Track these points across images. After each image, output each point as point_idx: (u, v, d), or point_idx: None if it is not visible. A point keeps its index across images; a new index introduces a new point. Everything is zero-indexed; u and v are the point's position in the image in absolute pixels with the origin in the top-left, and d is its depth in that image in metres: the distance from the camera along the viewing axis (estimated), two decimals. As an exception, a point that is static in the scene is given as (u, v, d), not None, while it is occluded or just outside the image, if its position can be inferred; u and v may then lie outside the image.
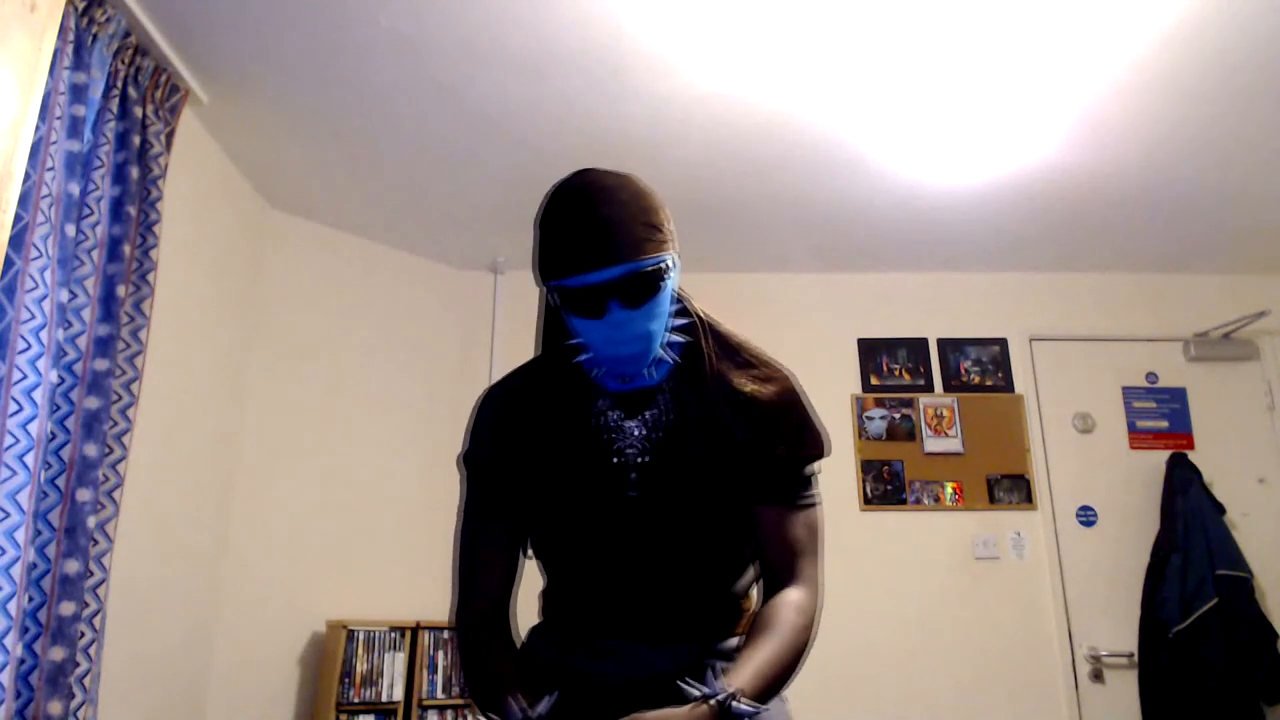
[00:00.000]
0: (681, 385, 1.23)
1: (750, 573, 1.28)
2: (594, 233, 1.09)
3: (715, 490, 1.19)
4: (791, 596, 1.17)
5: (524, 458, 1.23)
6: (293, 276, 3.44)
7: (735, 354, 1.26)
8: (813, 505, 1.24)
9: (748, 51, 2.47)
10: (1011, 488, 3.66)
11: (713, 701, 0.99)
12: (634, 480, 1.20)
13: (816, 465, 1.25)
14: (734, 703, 0.99)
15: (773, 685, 1.09)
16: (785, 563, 1.20)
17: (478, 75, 2.59)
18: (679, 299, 1.22)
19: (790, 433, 1.22)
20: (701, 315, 1.25)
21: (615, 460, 1.20)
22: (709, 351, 1.23)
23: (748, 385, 1.22)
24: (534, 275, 1.21)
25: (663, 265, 1.12)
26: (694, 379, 1.23)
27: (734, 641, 1.23)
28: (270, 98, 2.72)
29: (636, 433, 1.21)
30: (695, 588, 1.23)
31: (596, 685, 1.19)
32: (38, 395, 1.85)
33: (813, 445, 1.23)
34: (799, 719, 1.26)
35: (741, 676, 1.05)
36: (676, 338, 1.20)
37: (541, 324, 1.28)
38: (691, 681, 1.01)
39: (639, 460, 1.20)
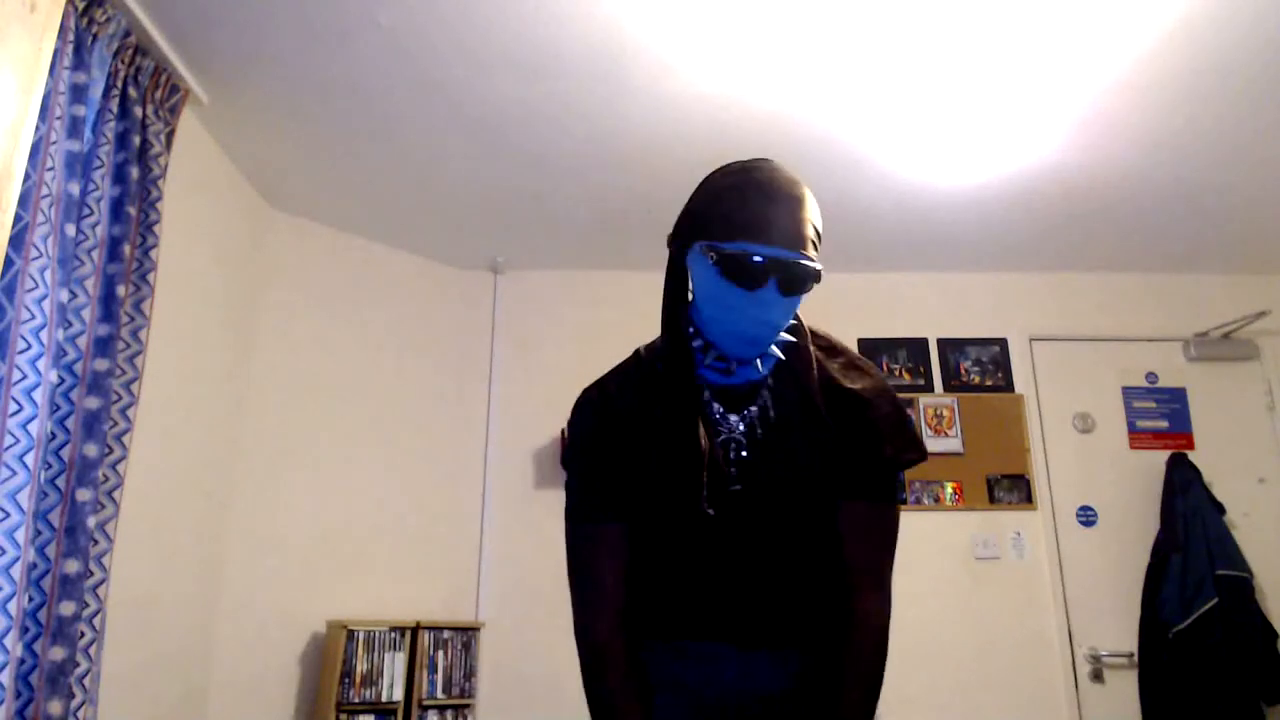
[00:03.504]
0: (782, 382, 1.24)
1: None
2: (782, 209, 1.13)
3: (816, 486, 1.19)
4: (876, 615, 1.18)
5: (625, 456, 1.22)
6: (293, 276, 3.45)
7: (837, 355, 1.28)
8: (899, 502, 1.25)
9: (748, 51, 2.47)
10: (1011, 488, 3.66)
11: None
12: (736, 474, 1.19)
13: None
14: None
15: None
16: (868, 562, 1.20)
17: (477, 75, 2.59)
18: None
19: (895, 435, 1.22)
20: (802, 320, 1.28)
21: (720, 454, 1.20)
22: (814, 352, 1.25)
23: (855, 383, 1.23)
24: (676, 236, 1.21)
25: (820, 272, 1.16)
26: (795, 377, 1.23)
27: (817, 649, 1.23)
28: (270, 98, 2.72)
29: (740, 427, 1.21)
30: (793, 587, 1.22)
31: (698, 693, 1.19)
32: (38, 395, 1.85)
33: (914, 448, 1.24)
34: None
35: None
36: (785, 336, 1.22)
37: (665, 303, 1.25)
38: None
39: (742, 455, 1.20)
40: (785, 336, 1.22)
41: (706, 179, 1.23)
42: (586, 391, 1.31)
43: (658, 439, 1.21)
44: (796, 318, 1.26)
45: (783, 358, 1.24)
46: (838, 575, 1.23)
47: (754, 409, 1.22)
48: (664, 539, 1.23)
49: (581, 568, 1.25)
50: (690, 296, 1.24)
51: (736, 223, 1.13)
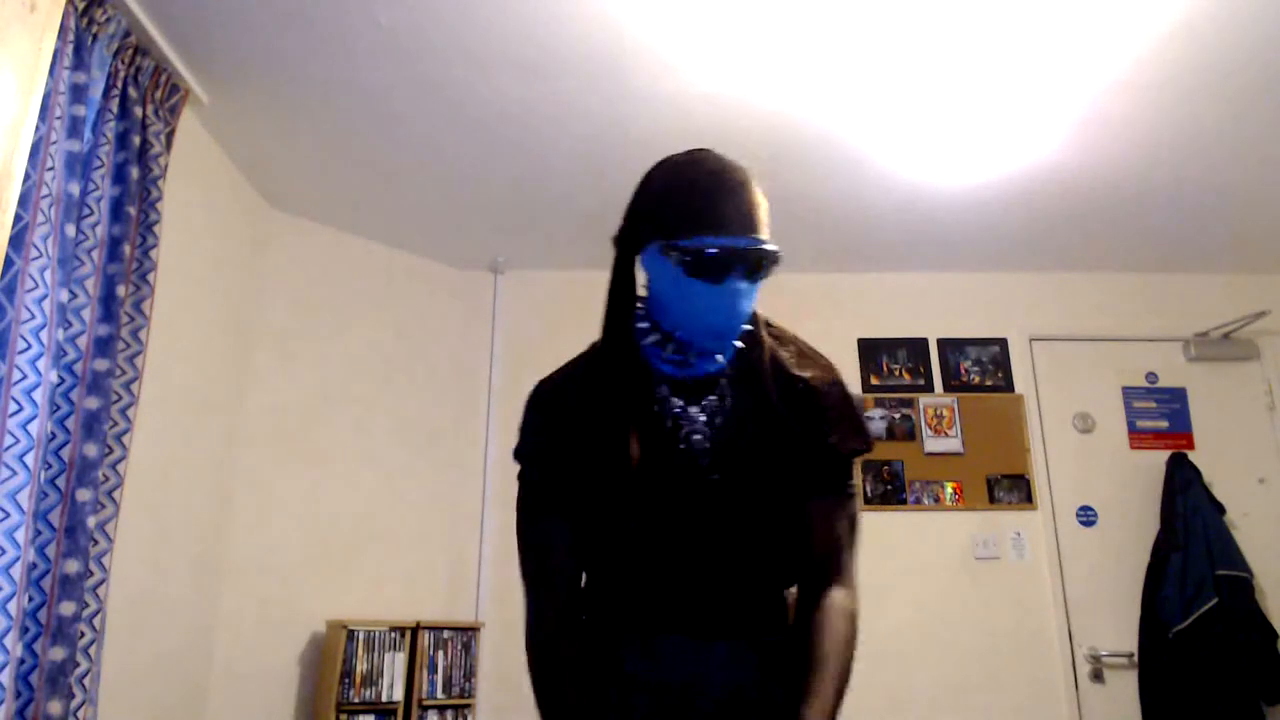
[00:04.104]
0: (739, 373, 1.24)
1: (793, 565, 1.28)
2: (733, 198, 1.14)
3: (774, 476, 1.20)
4: (841, 603, 1.19)
5: (581, 449, 1.22)
6: (293, 276, 3.45)
7: (789, 344, 1.28)
8: (855, 495, 1.26)
9: (748, 51, 2.47)
10: (1011, 488, 3.66)
11: None
12: (700, 466, 1.19)
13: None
14: None
15: (836, 711, 1.12)
16: (831, 555, 1.22)
17: (478, 75, 2.59)
18: None
19: (842, 422, 1.23)
20: (755, 311, 1.28)
21: (681, 446, 1.20)
22: (767, 342, 1.25)
23: (805, 372, 1.24)
24: (626, 236, 1.21)
25: (779, 256, 1.16)
26: (751, 368, 1.24)
27: (776, 639, 1.24)
28: (270, 98, 2.72)
29: (700, 419, 1.21)
30: (751, 577, 1.22)
31: (658, 689, 1.19)
32: (38, 395, 1.85)
33: (861, 438, 1.25)
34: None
35: (815, 714, 1.08)
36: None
37: (610, 302, 1.25)
38: None
39: (705, 446, 1.20)
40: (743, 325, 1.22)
41: (649, 176, 1.23)
42: (539, 385, 1.31)
43: (616, 431, 1.21)
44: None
45: (741, 346, 1.24)
46: (799, 567, 1.25)
47: (713, 398, 1.22)
48: (621, 529, 1.24)
49: (533, 561, 1.25)
50: (642, 293, 1.25)
51: (692, 218, 1.13)
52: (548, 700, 1.17)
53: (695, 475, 1.19)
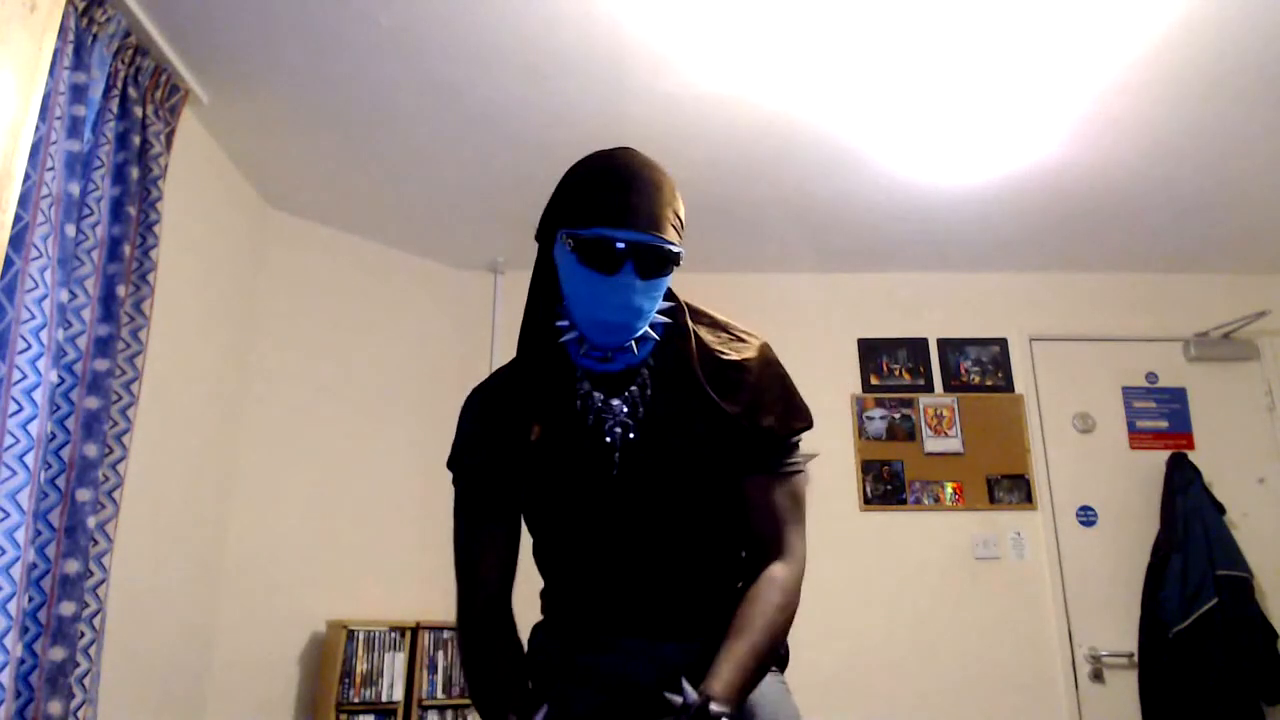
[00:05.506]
0: (664, 362, 1.23)
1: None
2: (638, 194, 1.13)
3: (703, 462, 1.20)
4: (775, 573, 1.18)
5: (511, 454, 1.23)
6: (293, 276, 3.44)
7: (721, 330, 1.28)
8: (798, 472, 1.25)
9: (748, 51, 2.47)
10: (1011, 488, 3.66)
11: (689, 714, 0.98)
12: (619, 458, 1.19)
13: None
14: (712, 705, 0.99)
15: (753, 678, 1.09)
16: (772, 533, 1.21)
17: (478, 75, 2.59)
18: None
19: (777, 403, 1.23)
20: (681, 299, 1.28)
21: (607, 440, 1.20)
22: (692, 327, 1.25)
23: (736, 355, 1.24)
24: (540, 229, 1.22)
25: (680, 254, 1.16)
26: (677, 355, 1.23)
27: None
28: (270, 98, 2.72)
29: (623, 410, 1.21)
30: (693, 568, 1.22)
31: (604, 683, 1.19)
32: (38, 395, 1.85)
33: (800, 416, 1.25)
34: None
35: (719, 679, 1.05)
36: (660, 318, 1.22)
37: (529, 300, 1.26)
38: (669, 694, 1.01)
39: (627, 436, 1.20)
40: (660, 318, 1.21)
41: (568, 170, 1.23)
42: (471, 392, 1.32)
43: (542, 430, 1.22)
44: (674, 297, 1.26)
45: (657, 339, 1.23)
46: (739, 555, 1.24)
47: (633, 389, 1.21)
48: (559, 528, 1.25)
49: (465, 565, 1.26)
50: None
51: (593, 208, 1.13)
52: (475, 684, 1.18)
53: (615, 467, 1.19)
